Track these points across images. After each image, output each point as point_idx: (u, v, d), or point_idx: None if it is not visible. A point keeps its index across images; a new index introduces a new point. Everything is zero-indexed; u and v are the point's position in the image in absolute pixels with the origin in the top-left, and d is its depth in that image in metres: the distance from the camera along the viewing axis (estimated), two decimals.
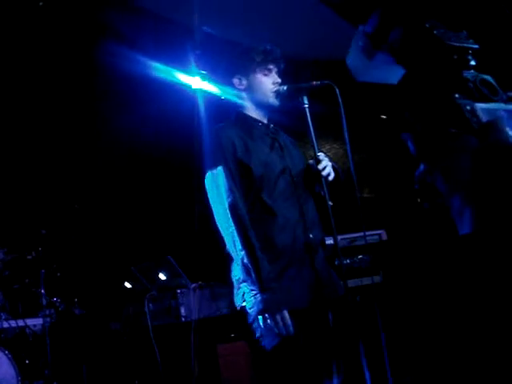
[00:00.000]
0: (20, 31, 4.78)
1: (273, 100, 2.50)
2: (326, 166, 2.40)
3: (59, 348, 4.93)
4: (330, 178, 2.41)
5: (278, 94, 2.49)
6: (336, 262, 2.81)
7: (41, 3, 4.52)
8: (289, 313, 2.24)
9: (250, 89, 2.54)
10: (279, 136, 2.59)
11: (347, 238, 4.42)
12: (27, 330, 4.79)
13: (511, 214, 1.67)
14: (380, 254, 4.39)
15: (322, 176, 2.38)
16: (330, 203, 2.33)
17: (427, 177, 1.96)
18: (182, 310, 4.50)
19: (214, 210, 2.37)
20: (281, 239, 2.32)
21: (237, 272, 2.34)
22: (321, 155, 2.43)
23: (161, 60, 5.31)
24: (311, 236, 2.39)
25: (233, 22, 4.98)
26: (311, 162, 2.46)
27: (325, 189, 2.37)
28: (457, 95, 1.79)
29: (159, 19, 4.96)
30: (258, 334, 2.27)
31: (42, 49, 5.05)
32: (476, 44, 1.97)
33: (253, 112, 2.55)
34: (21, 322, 4.72)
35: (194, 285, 4.62)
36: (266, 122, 2.57)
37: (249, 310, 2.28)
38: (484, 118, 1.74)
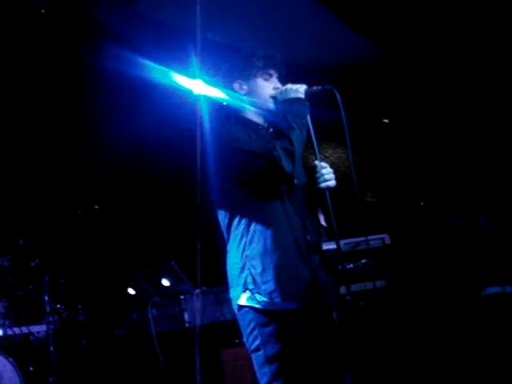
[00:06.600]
0: (23, 35, 4.80)
1: (273, 105, 2.50)
2: (330, 173, 2.41)
3: (63, 355, 4.92)
4: (333, 183, 2.42)
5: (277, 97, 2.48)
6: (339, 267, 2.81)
7: (43, 11, 4.54)
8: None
9: (250, 93, 2.54)
10: None
11: (350, 243, 4.41)
12: (31, 337, 4.79)
13: None
14: (383, 258, 4.38)
15: (325, 180, 2.38)
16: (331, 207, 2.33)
17: None
18: (186, 316, 4.50)
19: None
20: (281, 239, 2.32)
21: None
22: (323, 163, 2.43)
23: (163, 65, 5.32)
24: (308, 238, 2.39)
25: (235, 27, 5.00)
26: (316, 163, 2.45)
27: (327, 195, 2.37)
28: None
29: (162, 24, 4.97)
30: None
31: (45, 53, 5.07)
32: None
33: (253, 116, 2.56)
34: (25, 329, 4.71)
35: (197, 290, 4.61)
36: (265, 126, 2.57)
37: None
38: None
